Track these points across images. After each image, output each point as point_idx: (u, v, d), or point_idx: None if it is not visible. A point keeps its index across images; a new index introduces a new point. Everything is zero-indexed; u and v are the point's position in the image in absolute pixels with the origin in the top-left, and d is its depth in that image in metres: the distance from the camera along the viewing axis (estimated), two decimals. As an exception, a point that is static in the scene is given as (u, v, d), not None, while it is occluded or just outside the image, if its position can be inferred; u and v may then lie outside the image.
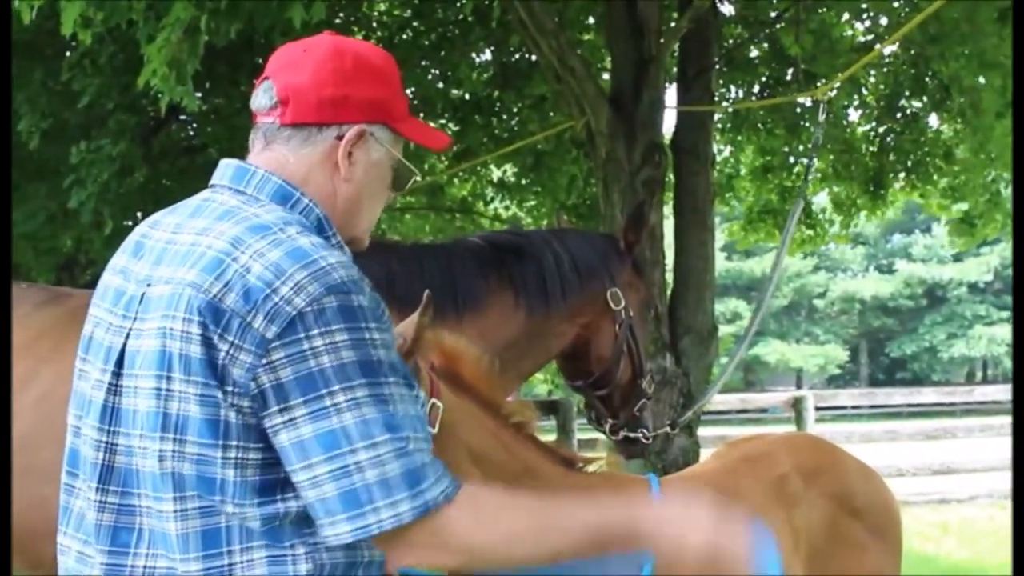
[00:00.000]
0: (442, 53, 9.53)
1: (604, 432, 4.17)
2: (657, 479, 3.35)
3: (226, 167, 2.01)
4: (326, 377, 1.72)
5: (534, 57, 8.77)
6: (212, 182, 2.02)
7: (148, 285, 1.86)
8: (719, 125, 10.24)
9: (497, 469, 2.46)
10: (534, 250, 3.84)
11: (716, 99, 8.68)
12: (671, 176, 7.37)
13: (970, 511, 12.64)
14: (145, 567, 1.82)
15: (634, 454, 4.27)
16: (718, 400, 14.31)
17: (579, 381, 4.13)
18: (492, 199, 10.86)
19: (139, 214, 9.25)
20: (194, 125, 10.74)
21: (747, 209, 11.42)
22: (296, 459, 1.73)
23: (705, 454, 6.32)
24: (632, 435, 4.11)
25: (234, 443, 1.76)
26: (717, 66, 8.68)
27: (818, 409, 13.35)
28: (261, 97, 2.03)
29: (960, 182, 10.06)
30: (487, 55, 10.23)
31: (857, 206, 10.45)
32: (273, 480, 1.79)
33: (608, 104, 6.59)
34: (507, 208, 10.73)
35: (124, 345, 1.86)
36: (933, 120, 10.00)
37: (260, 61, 9.26)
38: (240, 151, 2.11)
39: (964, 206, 10.52)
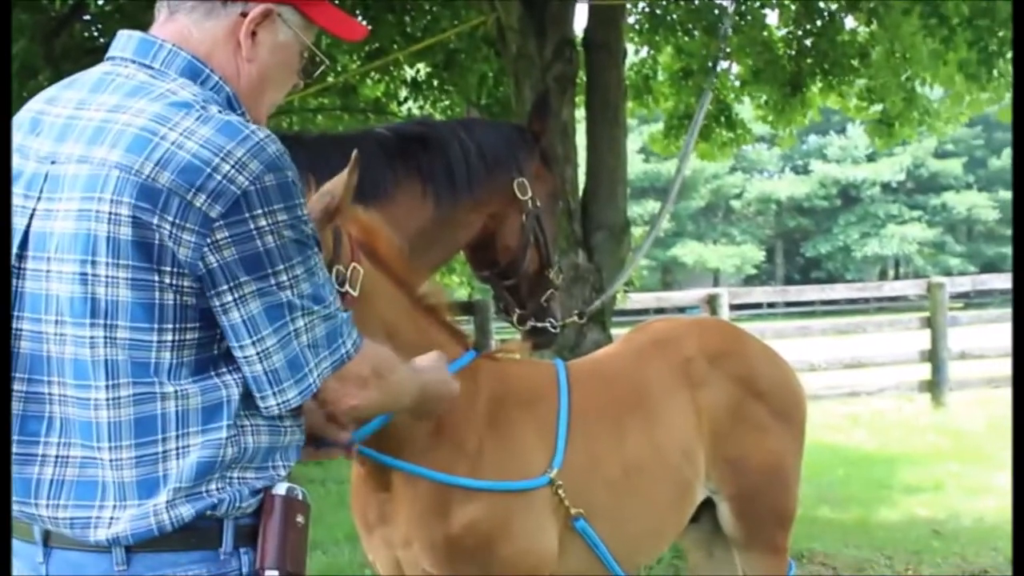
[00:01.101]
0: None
1: (511, 322, 4.18)
2: (563, 364, 3.39)
3: (128, 38, 1.93)
4: (271, 257, 1.75)
5: (445, -48, 8.64)
6: (111, 54, 1.95)
7: (52, 163, 1.80)
8: (636, 27, 10.17)
9: (408, 346, 2.48)
10: (441, 140, 3.80)
11: (629, -4, 8.60)
12: (584, 76, 7.32)
13: (879, 403, 12.98)
14: (58, 456, 1.79)
15: (542, 344, 4.28)
16: (635, 299, 14.44)
17: (486, 271, 4.14)
18: (406, 99, 10.71)
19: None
20: (99, 25, 10.41)
21: (667, 115, 11.39)
22: (247, 334, 1.76)
23: (618, 350, 6.39)
24: (539, 325, 4.12)
25: (170, 325, 1.75)
26: (632, -38, 8.60)
27: (733, 308, 13.56)
28: None
29: (876, 84, 10.12)
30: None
31: (785, 110, 10.49)
32: (208, 358, 1.80)
33: (518, -1, 6.49)
34: (421, 108, 10.58)
35: (28, 226, 1.79)
36: (849, 22, 10.02)
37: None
38: None
39: (881, 107, 10.60)
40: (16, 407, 1.81)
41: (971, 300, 36.48)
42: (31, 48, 8.69)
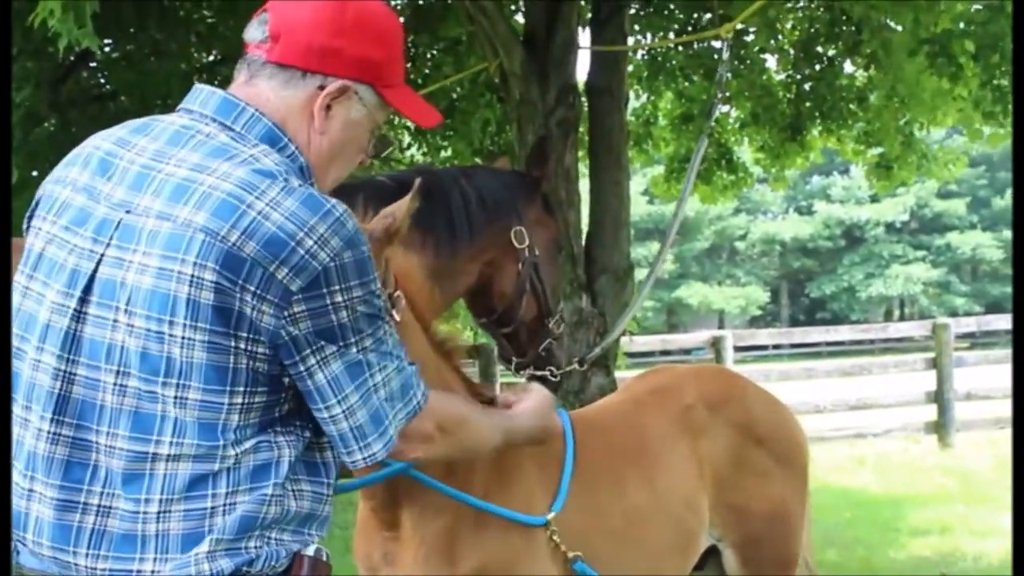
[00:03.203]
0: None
1: (511, 370, 4.18)
2: (567, 415, 3.40)
3: (210, 95, 1.96)
4: (344, 331, 1.81)
5: (448, -1, 8.71)
6: (188, 107, 1.97)
7: (127, 212, 1.81)
8: (636, 72, 10.25)
9: (429, 386, 2.50)
10: (441, 188, 3.80)
11: (631, 42, 8.66)
12: (586, 121, 7.38)
13: (885, 445, 12.94)
14: (100, 506, 1.79)
15: None
16: (640, 342, 14.46)
17: (483, 318, 4.13)
18: (409, 146, 10.77)
19: (47, 165, 9.04)
20: (105, 72, 10.49)
21: (668, 159, 11.46)
22: (332, 395, 1.83)
23: (622, 394, 6.39)
24: (538, 373, 4.12)
25: (241, 388, 1.79)
26: (633, 10, 8.66)
27: (738, 349, 13.57)
28: (255, 29, 2.01)
29: (874, 127, 10.19)
30: (401, -2, 10.13)
31: (781, 154, 10.55)
32: (268, 420, 1.84)
33: (521, 45, 6.54)
34: (424, 155, 10.64)
35: (95, 271, 1.80)
36: (848, 67, 10.10)
37: (166, 3, 9.08)
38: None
39: (879, 150, 10.67)
40: (62, 452, 1.81)
41: (976, 340, 36.42)
42: (36, 95, 8.75)
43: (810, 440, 4.01)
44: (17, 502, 1.85)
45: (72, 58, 9.01)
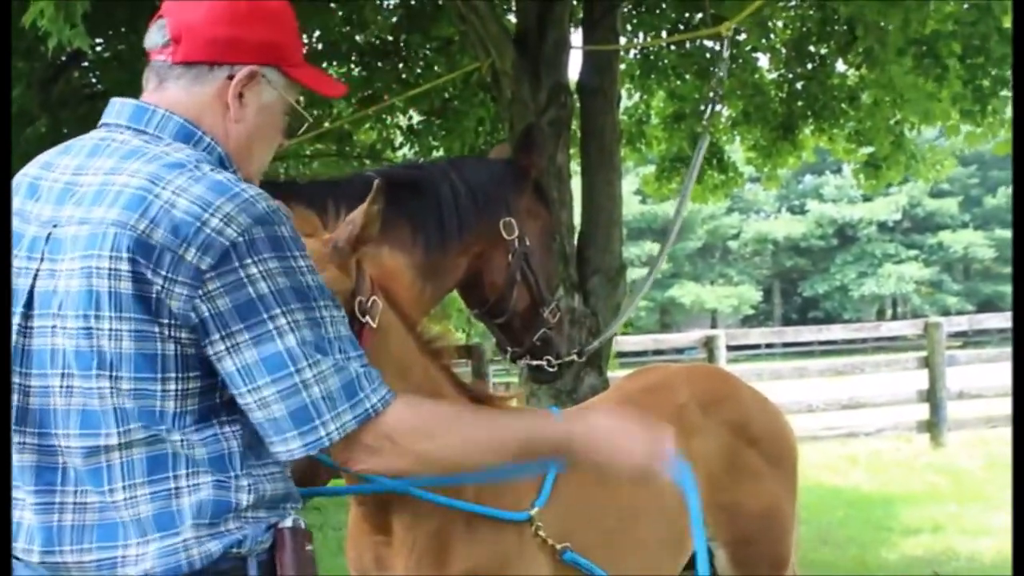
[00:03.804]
0: (347, -5, 9.39)
1: (507, 359, 4.18)
2: (560, 412, 3.39)
3: (121, 106, 2.02)
4: (265, 303, 1.80)
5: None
6: (105, 121, 2.03)
7: (54, 226, 1.87)
8: (628, 71, 10.25)
9: (414, 388, 2.50)
10: (431, 183, 3.80)
11: (623, 41, 8.65)
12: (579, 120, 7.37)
13: (877, 444, 12.96)
14: (75, 503, 1.85)
15: (541, 380, 4.25)
16: (633, 341, 14.48)
17: (476, 309, 4.12)
18: (401, 145, 10.76)
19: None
20: (96, 72, 10.46)
21: (660, 158, 11.47)
22: (243, 382, 1.81)
23: (615, 393, 6.39)
24: (535, 363, 4.11)
25: (172, 375, 1.82)
26: (625, 9, 8.65)
27: (730, 349, 13.58)
28: (155, 35, 2.06)
29: (865, 126, 10.21)
30: (393, -2, 10.13)
31: (773, 153, 10.57)
32: (209, 406, 1.86)
33: (513, 44, 6.52)
34: (416, 154, 10.63)
35: (32, 287, 1.86)
36: (839, 66, 10.12)
37: (158, 3, 9.05)
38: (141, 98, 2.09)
39: (870, 149, 10.70)
40: (32, 459, 1.88)
41: (969, 339, 36.49)
42: (27, 95, 8.72)
43: (802, 439, 4.03)
44: (13, 514, 1.90)
45: (63, 58, 8.98)
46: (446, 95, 9.69)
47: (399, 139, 10.72)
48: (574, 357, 4.65)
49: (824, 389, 15.36)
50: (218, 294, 1.79)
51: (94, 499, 1.84)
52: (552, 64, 6.54)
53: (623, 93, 9.47)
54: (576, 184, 7.04)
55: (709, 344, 12.94)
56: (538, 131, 5.02)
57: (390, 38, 9.88)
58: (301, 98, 2.21)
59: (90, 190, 1.87)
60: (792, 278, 56.98)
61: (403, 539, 2.90)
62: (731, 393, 3.82)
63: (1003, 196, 52.38)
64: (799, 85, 10.07)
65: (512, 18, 8.23)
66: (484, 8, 6.49)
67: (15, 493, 1.89)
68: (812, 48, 9.87)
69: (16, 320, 1.87)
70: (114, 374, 1.80)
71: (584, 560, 3.11)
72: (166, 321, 1.79)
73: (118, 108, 2.02)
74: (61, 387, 1.84)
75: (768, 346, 38.95)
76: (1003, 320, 16.79)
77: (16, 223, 1.93)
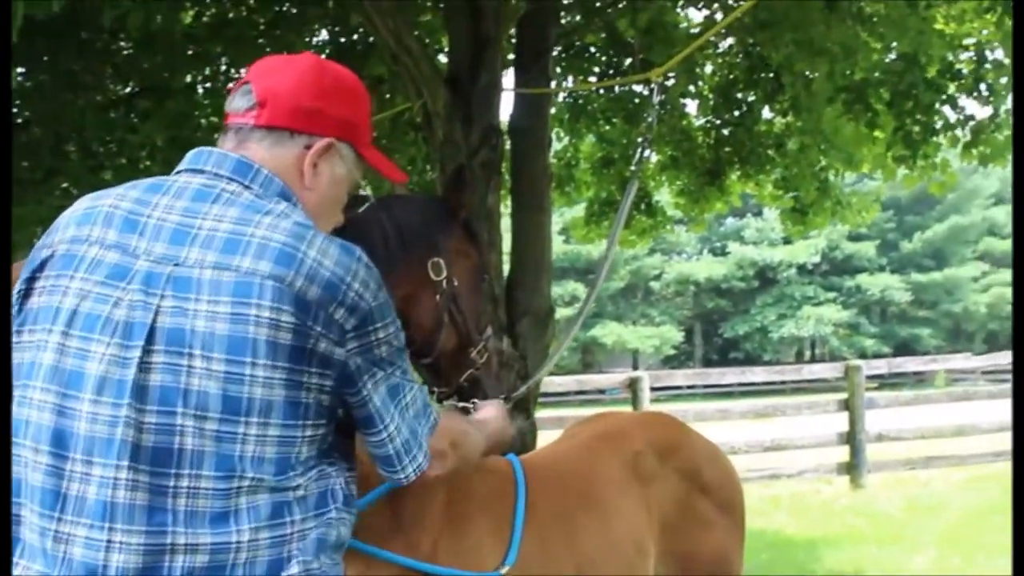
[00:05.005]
0: (278, 32, 9.34)
1: (434, 400, 4.15)
2: (518, 459, 3.38)
3: (222, 157, 2.09)
4: (390, 358, 2.07)
5: (371, 38, 8.68)
6: (199, 167, 2.09)
7: (175, 265, 1.92)
8: (558, 115, 10.32)
9: None
10: (359, 225, 3.77)
11: (554, 84, 8.72)
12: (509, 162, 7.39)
13: (799, 486, 13.07)
14: (187, 545, 1.86)
15: None
16: (556, 382, 14.48)
17: None
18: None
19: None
20: (17, 102, 10.31)
21: (588, 201, 11.55)
22: (380, 421, 2.06)
23: (543, 435, 6.37)
24: (461, 405, 4.08)
25: (311, 422, 1.96)
26: (556, 53, 8.73)
27: (654, 389, 13.64)
28: (239, 99, 2.16)
29: (792, 172, 10.38)
30: (324, 35, 10.09)
31: (700, 199, 10.69)
32: (319, 452, 2.02)
33: (445, 85, 6.56)
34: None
35: (154, 322, 1.89)
36: (766, 113, 10.28)
37: (85, 36, 8.93)
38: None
39: (796, 195, 10.86)
40: (143, 498, 1.86)
41: (885, 381, 37.05)
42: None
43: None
44: (91, 555, 1.86)
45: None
46: (376, 134, 9.66)
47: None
48: (500, 400, 4.64)
49: (746, 430, 15.48)
50: (355, 351, 1.98)
51: (210, 541, 1.87)
52: (484, 106, 6.57)
53: (553, 136, 9.55)
54: (506, 226, 7.05)
55: (633, 386, 12.98)
56: (468, 171, 5.01)
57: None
58: (364, 181, 2.39)
59: (217, 235, 1.95)
60: (713, 319, 57.50)
61: None
62: (685, 441, 3.84)
63: (918, 241, 53.53)
64: (726, 131, 10.22)
65: (444, 59, 8.26)
66: (417, 49, 6.52)
67: (109, 536, 1.85)
68: (739, 95, 10.03)
69: (135, 355, 1.88)
70: (263, 420, 1.89)
71: None
72: (315, 371, 1.94)
73: (214, 158, 2.10)
74: (194, 428, 1.87)
75: (690, 387, 39.21)
76: (920, 364, 17.13)
77: (113, 255, 1.96)
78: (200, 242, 1.94)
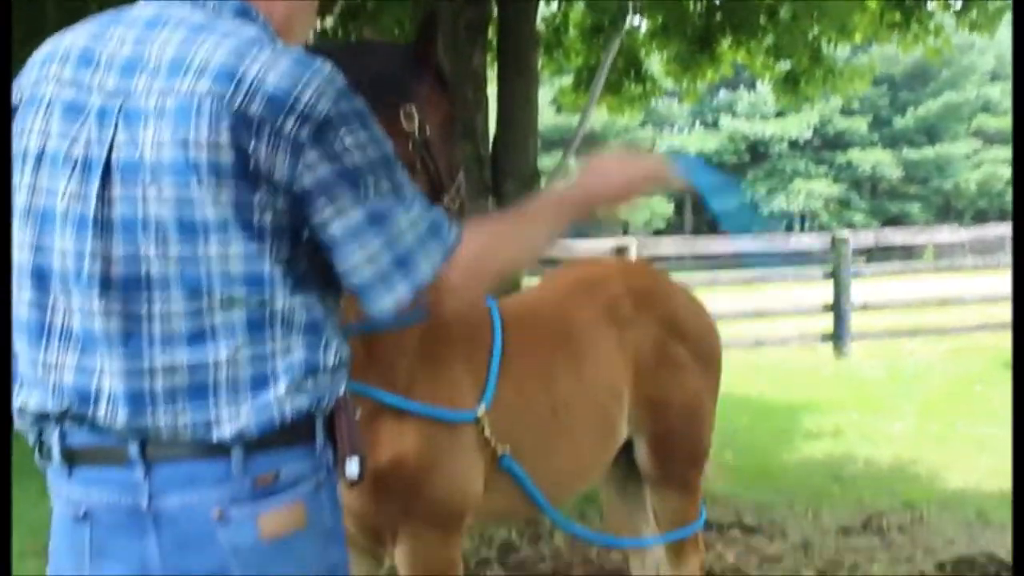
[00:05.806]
0: None
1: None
2: (495, 303, 3.39)
3: None
4: (362, 169, 1.89)
5: None
6: None
7: (126, 96, 1.89)
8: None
9: None
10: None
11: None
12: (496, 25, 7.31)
13: (783, 354, 13.23)
14: (165, 367, 1.88)
15: None
16: (545, 250, 14.50)
17: None
18: (324, 32, 10.59)
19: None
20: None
21: (577, 70, 11.42)
22: (352, 241, 1.90)
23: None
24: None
25: (274, 243, 1.88)
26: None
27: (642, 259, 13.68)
28: None
29: (784, 41, 10.24)
30: None
31: (692, 66, 10.57)
32: (303, 273, 1.95)
33: (432, -57, 6.45)
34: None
35: (108, 157, 1.87)
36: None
37: None
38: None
39: (787, 65, 10.74)
40: (119, 326, 1.88)
41: (874, 256, 37.20)
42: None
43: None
44: (83, 381, 1.90)
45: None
46: (363, -3, 9.54)
47: (312, 38, 10.51)
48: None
49: (733, 300, 15.58)
50: (316, 163, 1.85)
51: (189, 360, 1.87)
52: (471, -35, 6.47)
53: (541, 2, 9.42)
54: (492, 91, 7.01)
55: (620, 254, 13.00)
56: (440, 16, 4.93)
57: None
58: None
59: (164, 62, 1.89)
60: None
61: None
62: (665, 290, 3.87)
63: (911, 117, 53.17)
64: (718, -1, 10.06)
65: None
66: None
67: (98, 363, 1.89)
68: (732, -41, 9.86)
69: (94, 190, 1.87)
70: (222, 238, 1.84)
71: (519, 469, 3.13)
72: (264, 189, 1.85)
73: None
74: (158, 255, 1.86)
75: (679, 258, 39.33)
76: (907, 236, 17.15)
77: (72, 93, 1.94)
78: (148, 71, 1.90)
